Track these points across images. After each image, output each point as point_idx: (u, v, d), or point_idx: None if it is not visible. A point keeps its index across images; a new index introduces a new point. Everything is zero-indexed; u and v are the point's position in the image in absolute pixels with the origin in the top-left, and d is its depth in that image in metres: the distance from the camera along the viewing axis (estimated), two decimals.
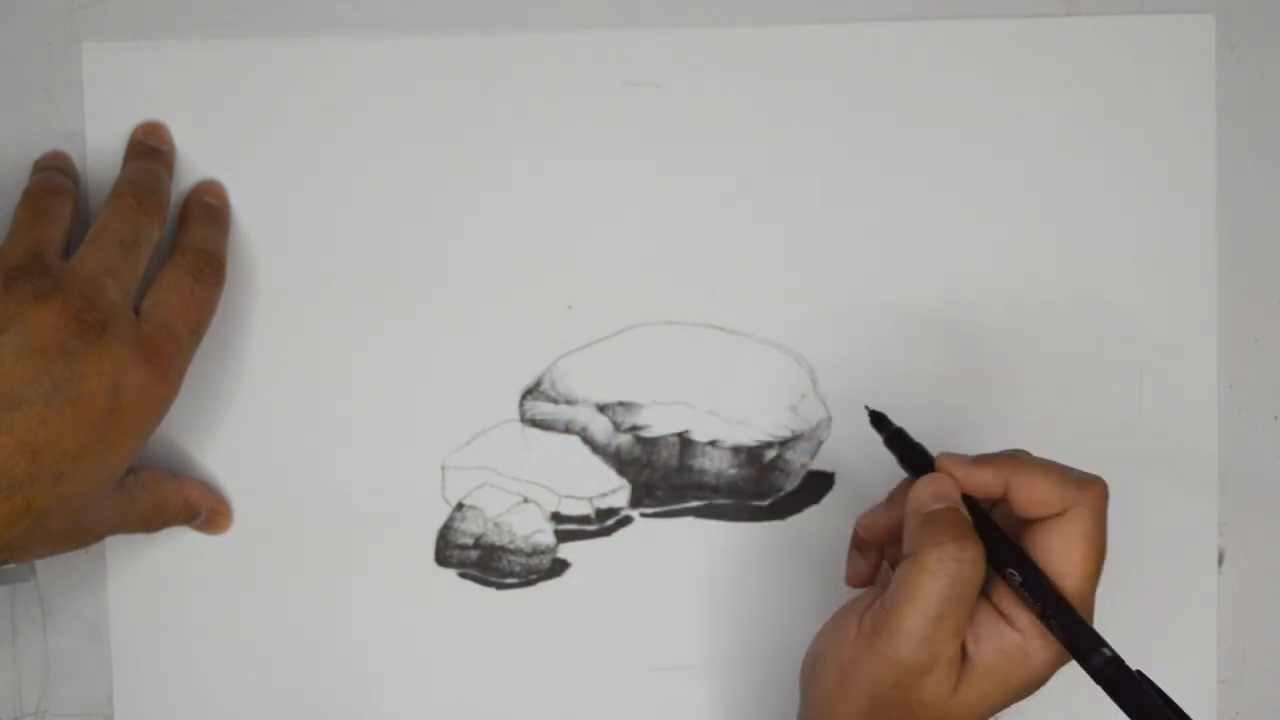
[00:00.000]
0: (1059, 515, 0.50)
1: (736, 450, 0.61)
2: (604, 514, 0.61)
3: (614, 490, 0.61)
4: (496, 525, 0.61)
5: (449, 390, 0.61)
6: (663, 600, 0.60)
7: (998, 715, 0.52)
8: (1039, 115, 0.61)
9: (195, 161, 0.60)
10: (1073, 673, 0.51)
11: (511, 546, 0.61)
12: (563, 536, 0.61)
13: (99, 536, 0.56)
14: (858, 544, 0.55)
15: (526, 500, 0.61)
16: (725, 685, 0.60)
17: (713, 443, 0.61)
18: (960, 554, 0.49)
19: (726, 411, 0.61)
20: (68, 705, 0.61)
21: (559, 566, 0.61)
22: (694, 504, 0.61)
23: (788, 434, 0.61)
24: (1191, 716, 0.47)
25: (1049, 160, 0.61)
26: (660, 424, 0.61)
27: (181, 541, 0.60)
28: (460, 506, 0.61)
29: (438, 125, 0.60)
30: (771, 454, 0.61)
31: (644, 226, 0.61)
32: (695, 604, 0.61)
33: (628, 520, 0.61)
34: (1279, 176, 0.62)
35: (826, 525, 0.61)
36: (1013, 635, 0.50)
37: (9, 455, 0.50)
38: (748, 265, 0.61)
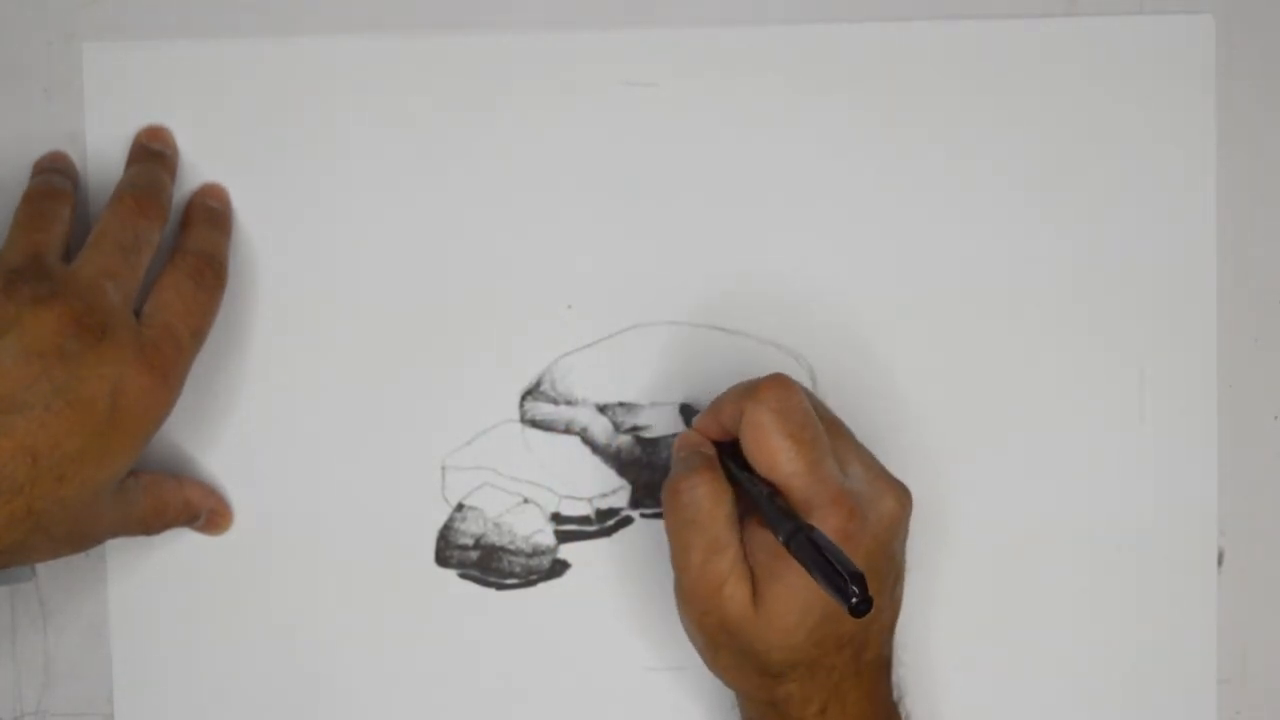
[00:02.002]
0: (742, 420, 0.53)
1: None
2: (604, 514, 0.61)
3: (614, 491, 0.61)
4: (497, 526, 0.61)
5: (449, 390, 0.61)
6: (662, 601, 0.60)
7: None
8: (1039, 115, 0.61)
9: (195, 162, 0.60)
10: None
11: (512, 547, 0.61)
12: (563, 537, 0.61)
13: (99, 540, 0.56)
14: None
15: (527, 501, 0.61)
16: (723, 686, 0.59)
17: None
18: (680, 482, 0.53)
19: None
20: (68, 705, 0.61)
21: (559, 567, 0.61)
22: None
23: None
24: (839, 551, 0.48)
25: (1049, 160, 0.61)
26: (660, 424, 0.61)
27: (181, 542, 0.60)
28: (460, 507, 0.61)
29: (437, 125, 0.60)
30: None
31: (644, 226, 0.61)
32: None
33: (628, 521, 0.61)
34: (1279, 177, 0.62)
35: None
36: (768, 535, 0.52)
37: (9, 459, 0.50)
38: (748, 265, 0.61)
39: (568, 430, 0.61)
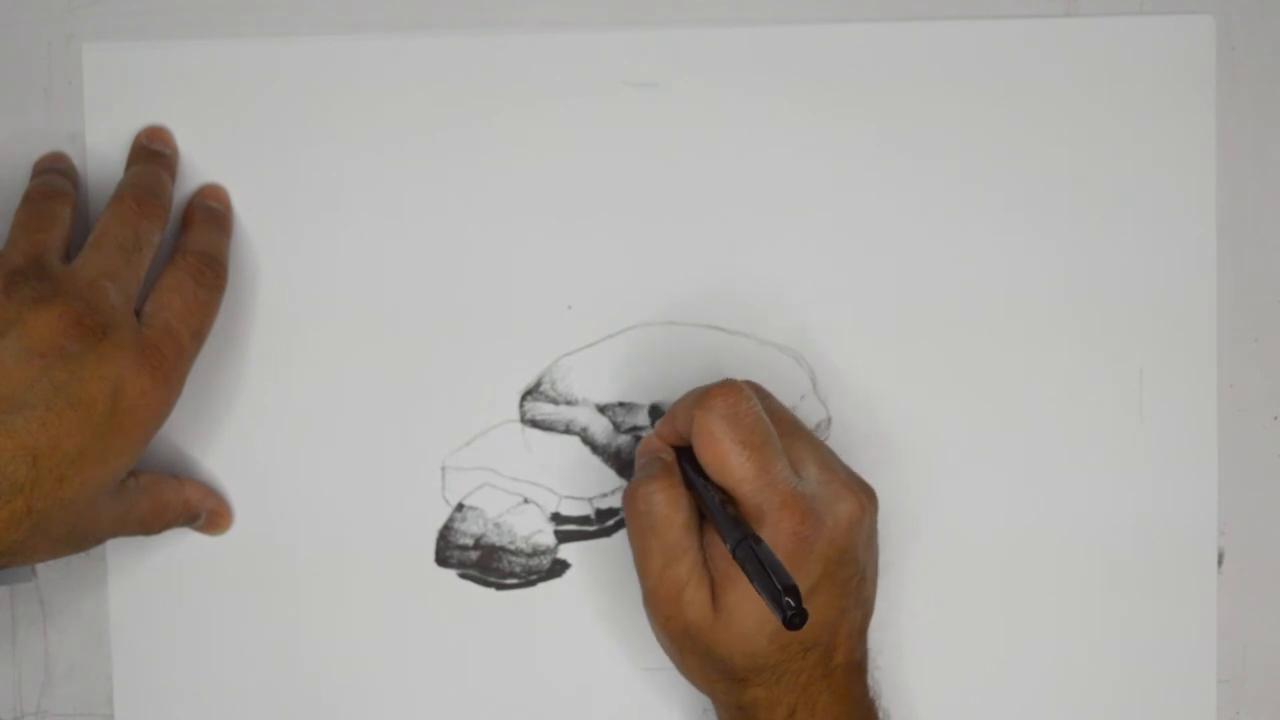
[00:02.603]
0: (692, 427, 0.53)
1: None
2: (604, 514, 0.61)
3: (614, 491, 0.61)
4: (497, 526, 0.61)
5: (449, 391, 0.61)
6: None
7: None
8: (1039, 115, 0.61)
9: (195, 162, 0.60)
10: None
11: (512, 547, 0.61)
12: (563, 537, 0.61)
13: (99, 540, 0.56)
14: None
15: (527, 501, 0.61)
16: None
17: None
18: (640, 489, 0.54)
19: None
20: (68, 705, 0.61)
21: (559, 567, 0.61)
22: None
23: None
24: (776, 562, 0.48)
25: (1049, 160, 0.61)
26: None
27: (182, 542, 0.60)
28: (460, 507, 0.61)
29: (438, 125, 0.60)
30: None
31: (644, 226, 0.61)
32: None
33: None
34: (1279, 176, 0.62)
35: None
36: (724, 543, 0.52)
37: (10, 459, 0.50)
38: (748, 265, 0.61)
39: (568, 430, 0.61)
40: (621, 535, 0.61)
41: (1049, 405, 0.61)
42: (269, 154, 0.60)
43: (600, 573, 0.61)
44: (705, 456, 0.53)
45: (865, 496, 0.54)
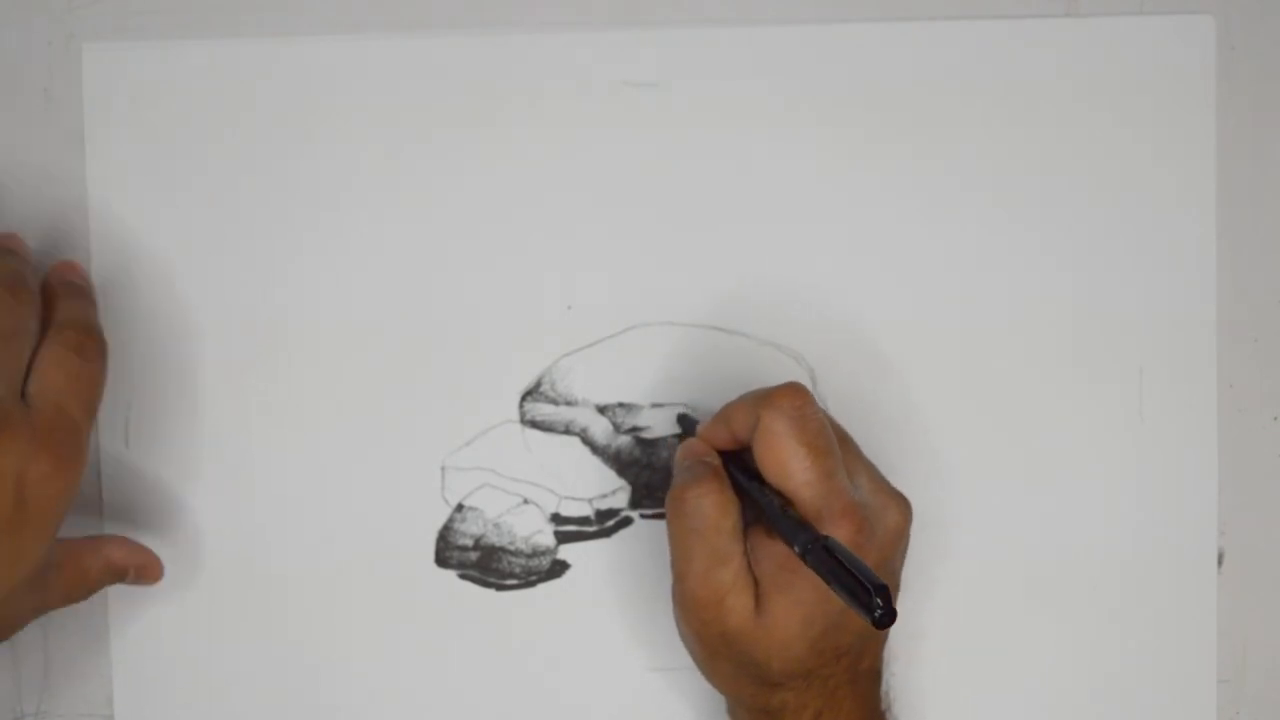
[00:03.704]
0: (756, 428, 0.53)
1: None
2: (604, 515, 0.61)
3: (614, 491, 0.61)
4: (496, 526, 0.61)
5: (449, 391, 0.61)
6: (662, 601, 0.60)
7: None
8: (1039, 115, 0.61)
9: (195, 162, 0.60)
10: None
11: (511, 547, 0.61)
12: (563, 538, 0.61)
13: (20, 627, 0.54)
14: None
15: (526, 501, 0.61)
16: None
17: None
18: (686, 491, 0.53)
19: None
20: (68, 706, 0.61)
21: (559, 568, 0.61)
22: None
23: None
24: (861, 564, 0.47)
25: (1048, 160, 0.61)
26: (660, 425, 0.61)
27: (181, 543, 0.60)
28: (460, 507, 0.61)
29: (437, 125, 0.60)
30: None
31: (644, 226, 0.61)
32: None
33: (628, 521, 0.61)
34: (1279, 176, 0.62)
35: None
36: (776, 546, 0.52)
37: None
38: (748, 265, 0.61)
39: (567, 431, 0.61)
40: (621, 536, 0.61)
41: (1049, 405, 0.61)
42: (268, 154, 0.60)
43: (600, 573, 0.61)
44: (768, 457, 0.52)
45: (907, 508, 0.54)
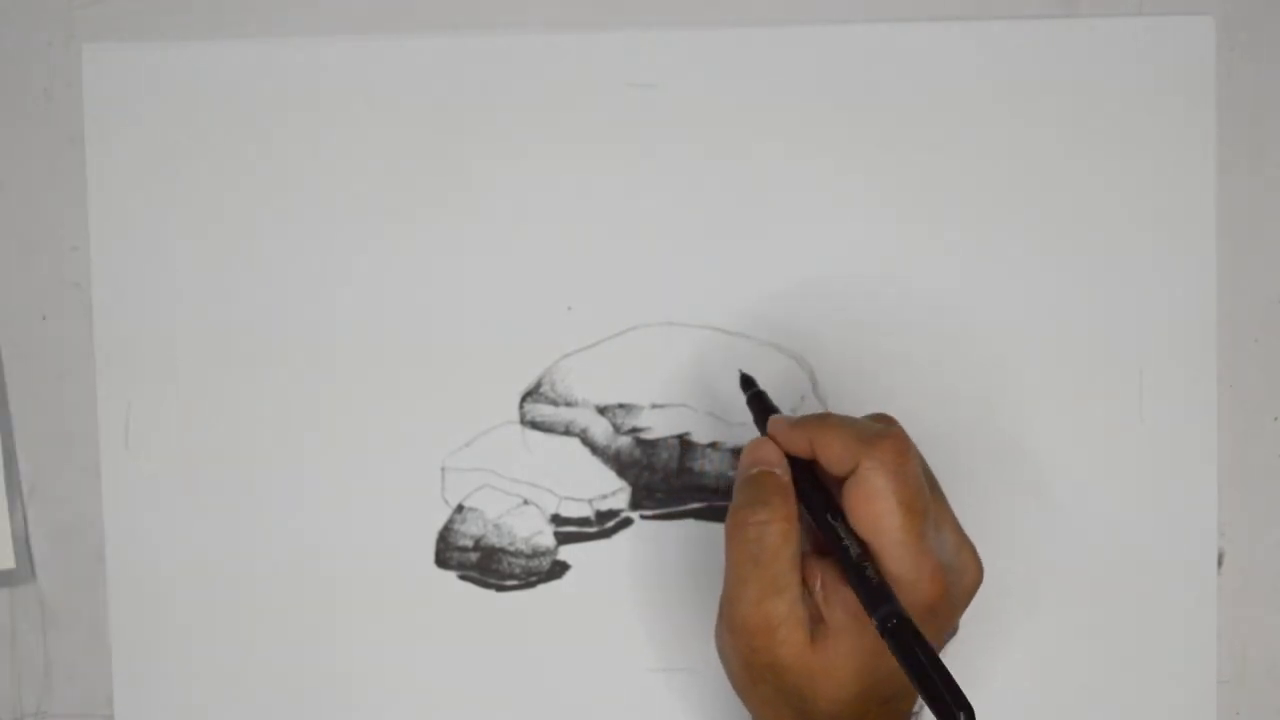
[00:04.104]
0: (854, 472, 0.51)
1: (737, 452, 0.61)
2: (604, 516, 0.61)
3: (614, 492, 0.61)
4: (496, 527, 0.61)
5: (449, 392, 0.60)
6: (662, 602, 0.60)
7: None
8: (1039, 116, 0.61)
9: (195, 162, 0.60)
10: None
11: (511, 548, 0.61)
12: (563, 538, 0.61)
13: None
14: None
15: (526, 502, 0.61)
16: (725, 687, 0.59)
17: (713, 445, 0.61)
18: (752, 517, 0.51)
19: (726, 413, 0.61)
20: (68, 706, 0.61)
21: (559, 568, 0.61)
22: (694, 506, 0.61)
23: None
24: (950, 677, 0.46)
25: (1049, 161, 0.61)
26: (660, 426, 0.61)
27: (181, 543, 0.60)
28: (460, 508, 0.61)
29: (438, 125, 0.60)
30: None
31: (644, 227, 0.61)
32: (695, 606, 0.61)
33: (628, 522, 0.61)
34: (1279, 177, 0.62)
35: None
36: (851, 594, 0.50)
37: None
38: (748, 266, 0.61)
39: (567, 432, 0.61)
40: (621, 536, 0.61)
41: (1049, 405, 0.61)
42: (269, 154, 0.60)
43: (600, 574, 0.61)
44: (862, 509, 0.50)
45: (981, 569, 0.53)
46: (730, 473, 0.61)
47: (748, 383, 0.58)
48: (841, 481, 0.51)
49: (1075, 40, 0.61)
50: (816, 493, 0.52)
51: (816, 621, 0.51)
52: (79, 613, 0.61)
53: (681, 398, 0.61)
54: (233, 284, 0.59)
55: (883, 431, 0.51)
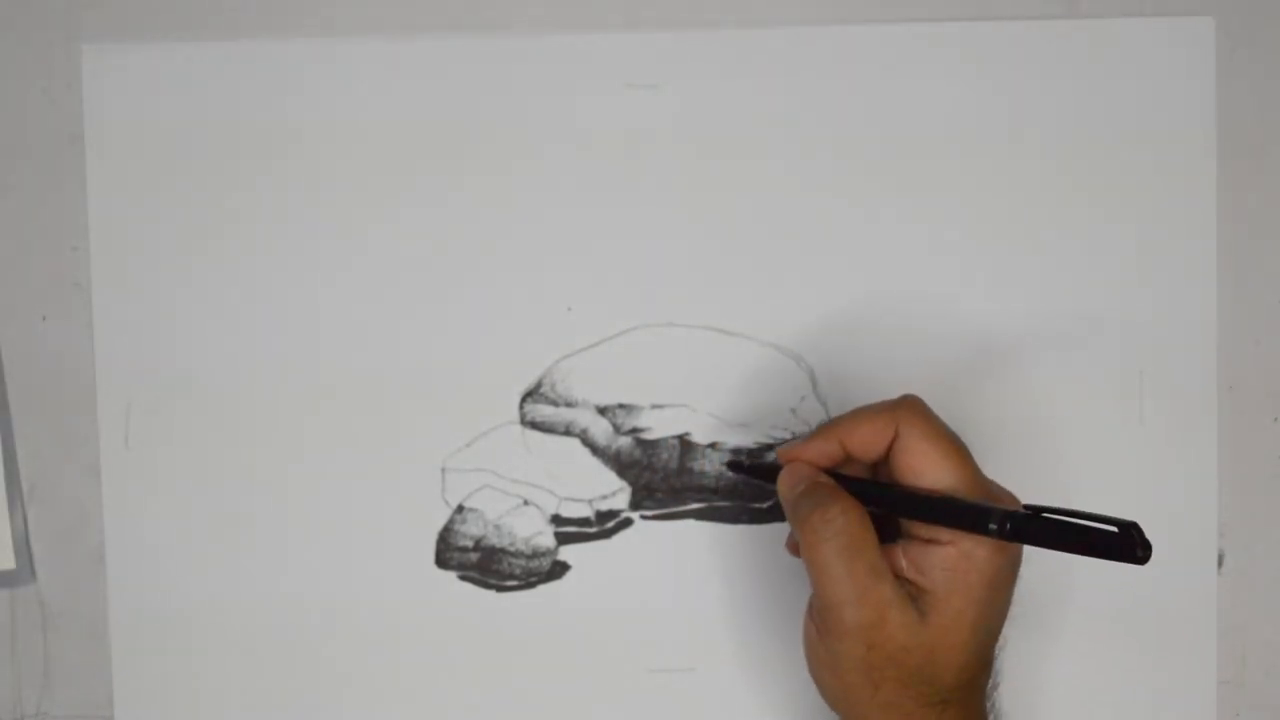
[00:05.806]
0: (896, 438, 0.52)
1: (736, 452, 0.61)
2: (604, 516, 0.61)
3: (614, 492, 0.61)
4: (497, 527, 0.61)
5: (449, 392, 0.61)
6: (663, 602, 0.60)
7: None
8: (1039, 116, 0.61)
9: (195, 161, 0.60)
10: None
11: (512, 549, 0.61)
12: (563, 539, 0.61)
13: None
14: None
15: (527, 502, 0.61)
16: (725, 687, 0.60)
17: (713, 445, 0.61)
18: (826, 514, 0.52)
19: (726, 414, 0.61)
20: (68, 707, 0.61)
21: (559, 569, 0.61)
22: (694, 506, 0.61)
23: (788, 436, 0.61)
24: (1099, 515, 0.47)
25: (1049, 161, 0.61)
26: (660, 426, 0.61)
27: (182, 544, 0.60)
28: (460, 509, 0.61)
29: (438, 126, 0.60)
30: (772, 456, 0.61)
31: (644, 228, 0.61)
32: (695, 606, 0.61)
33: (628, 522, 0.61)
34: (1279, 177, 0.62)
35: None
36: (945, 550, 0.51)
37: None
38: (748, 267, 0.61)
39: (568, 432, 0.61)
40: (621, 536, 0.61)
41: (1049, 407, 0.61)
42: (269, 154, 0.60)
43: (600, 575, 0.61)
44: (922, 464, 0.52)
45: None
46: (730, 473, 0.61)
47: (737, 466, 0.60)
48: (875, 467, 0.54)
49: (1075, 40, 0.61)
50: (861, 484, 0.53)
51: (918, 597, 0.51)
52: (79, 613, 0.61)
53: (681, 398, 0.61)
54: (232, 284, 0.59)
55: (896, 399, 0.53)
